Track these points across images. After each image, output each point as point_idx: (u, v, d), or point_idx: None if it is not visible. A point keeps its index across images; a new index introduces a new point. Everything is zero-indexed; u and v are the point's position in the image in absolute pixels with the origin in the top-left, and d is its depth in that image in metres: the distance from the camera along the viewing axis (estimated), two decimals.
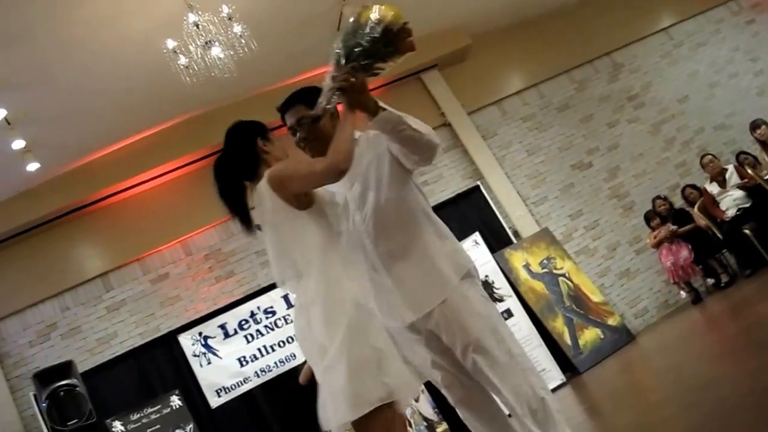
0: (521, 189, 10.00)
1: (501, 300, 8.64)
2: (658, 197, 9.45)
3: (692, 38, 11.84)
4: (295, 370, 8.25)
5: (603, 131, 10.79)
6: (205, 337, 8.32)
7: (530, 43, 10.86)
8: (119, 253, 8.75)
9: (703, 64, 11.70)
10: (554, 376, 8.29)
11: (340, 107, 2.82)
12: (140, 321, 8.49)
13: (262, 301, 8.60)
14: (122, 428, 7.47)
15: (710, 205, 8.89)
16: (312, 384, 7.63)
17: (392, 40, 2.65)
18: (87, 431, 7.30)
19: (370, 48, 2.62)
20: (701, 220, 8.98)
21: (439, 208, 9.25)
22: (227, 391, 8.14)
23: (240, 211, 2.95)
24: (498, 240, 9.37)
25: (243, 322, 8.45)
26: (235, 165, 2.98)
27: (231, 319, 8.46)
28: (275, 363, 8.36)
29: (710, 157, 9.23)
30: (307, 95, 2.94)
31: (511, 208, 9.72)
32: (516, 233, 9.57)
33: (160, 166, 8.85)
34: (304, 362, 7.93)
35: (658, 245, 9.12)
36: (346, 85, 2.61)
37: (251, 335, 8.42)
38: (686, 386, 4.42)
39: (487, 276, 8.68)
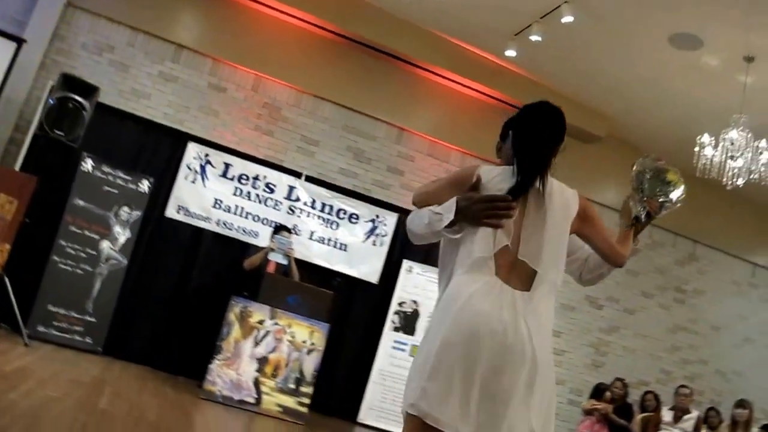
0: None
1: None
2: (621, 380, 9.49)
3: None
4: (245, 247, 8.47)
5: (634, 293, 10.80)
6: (208, 161, 8.53)
7: None
8: (220, 45, 8.95)
9: (757, 317, 11.64)
10: None
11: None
12: (174, 104, 8.66)
13: (272, 175, 8.79)
14: (90, 167, 7.72)
15: (653, 425, 8.94)
16: (242, 273, 7.82)
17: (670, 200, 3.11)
18: (63, 149, 7.58)
19: (668, 204, 3.10)
20: (636, 428, 9.04)
21: None
22: (187, 213, 8.39)
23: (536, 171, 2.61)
24: None
25: (244, 177, 8.65)
26: (560, 141, 2.69)
27: (239, 166, 8.66)
28: (238, 228, 8.59)
29: (688, 390, 9.25)
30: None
31: None
32: None
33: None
34: (261, 248, 8.17)
35: (588, 413, 9.19)
36: (655, 216, 3.07)
37: (241, 191, 8.61)
38: None
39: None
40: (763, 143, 7.89)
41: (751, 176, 7.90)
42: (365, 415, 8.51)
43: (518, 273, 2.49)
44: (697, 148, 8.01)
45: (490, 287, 2.45)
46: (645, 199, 3.05)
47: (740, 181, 7.93)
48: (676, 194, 3.09)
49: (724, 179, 7.96)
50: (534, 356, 2.38)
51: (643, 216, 3.04)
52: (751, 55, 7.74)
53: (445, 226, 2.55)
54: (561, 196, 2.62)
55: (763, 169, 7.93)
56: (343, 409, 8.64)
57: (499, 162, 2.85)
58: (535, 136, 2.63)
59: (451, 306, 2.46)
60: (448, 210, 2.55)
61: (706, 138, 8.03)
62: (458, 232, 2.57)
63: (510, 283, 2.47)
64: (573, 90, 9.66)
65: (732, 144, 7.73)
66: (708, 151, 7.97)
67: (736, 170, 7.92)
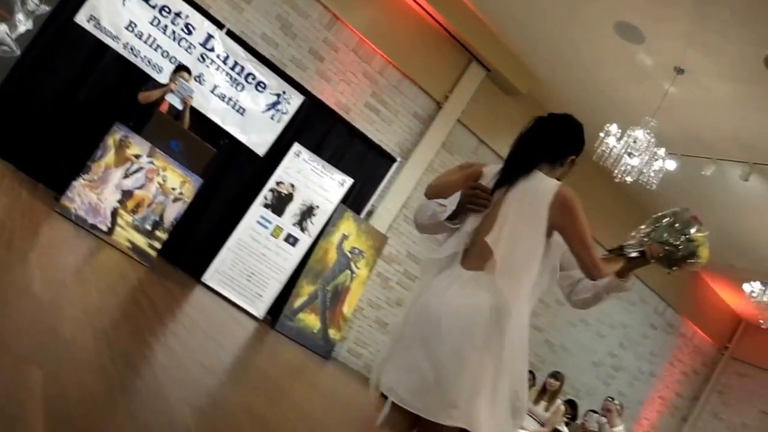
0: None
1: (302, 230, 8.93)
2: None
3: None
4: (144, 78, 8.24)
5: None
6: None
7: None
8: None
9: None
10: (260, 307, 8.66)
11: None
12: None
13: (195, 17, 8.58)
14: None
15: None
16: (134, 103, 7.59)
17: (685, 266, 3.12)
18: None
19: (677, 256, 3.06)
20: None
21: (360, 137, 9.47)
22: (97, 26, 8.10)
23: (514, 171, 2.83)
24: (357, 202, 9.60)
25: (166, 9, 8.41)
26: (556, 146, 2.90)
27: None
28: (144, 57, 8.38)
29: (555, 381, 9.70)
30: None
31: (393, 203, 9.91)
32: (369, 213, 9.80)
33: None
34: (160, 85, 7.94)
35: None
36: (652, 260, 3.06)
37: (159, 21, 8.39)
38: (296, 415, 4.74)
39: (314, 205, 8.97)
40: (661, 151, 8.19)
41: (640, 177, 8.22)
42: (210, 277, 8.57)
43: (479, 255, 2.71)
44: (602, 134, 8.24)
45: (448, 275, 2.74)
46: (647, 239, 3.04)
47: (629, 179, 8.24)
48: (688, 251, 3.03)
49: (616, 171, 8.24)
50: (438, 312, 2.64)
51: (631, 252, 3.04)
52: (682, 68, 7.95)
53: (447, 218, 2.82)
54: (537, 187, 2.76)
55: (653, 174, 8.26)
56: (191, 265, 8.67)
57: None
58: (522, 138, 2.93)
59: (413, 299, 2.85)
60: (452, 203, 2.81)
61: (614, 128, 8.27)
62: (458, 224, 2.83)
63: (466, 265, 2.73)
64: (512, 40, 9.73)
65: (635, 142, 7.99)
66: (611, 141, 8.22)
67: (629, 167, 8.22)
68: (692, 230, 3.03)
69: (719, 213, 10.66)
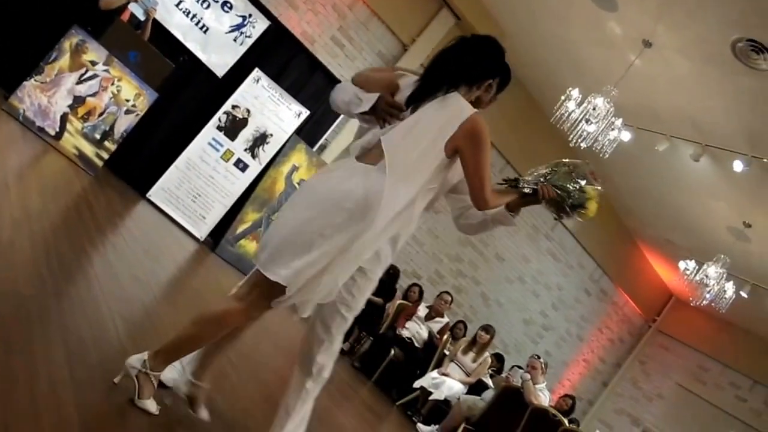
0: None
1: (253, 157, 8.86)
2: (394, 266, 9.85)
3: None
4: None
5: None
6: None
7: None
8: None
9: (538, 265, 12.53)
10: (203, 229, 8.62)
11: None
12: None
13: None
14: None
15: (405, 314, 9.50)
16: (94, 7, 7.38)
17: (572, 215, 3.10)
18: None
19: (567, 203, 3.04)
20: (390, 309, 9.59)
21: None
22: None
23: (430, 87, 2.92)
24: (311, 135, 9.54)
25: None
26: (468, 70, 2.96)
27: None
28: None
29: (449, 298, 9.87)
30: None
31: (347, 139, 9.83)
32: (322, 148, 9.75)
33: None
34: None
35: None
36: (542, 199, 3.02)
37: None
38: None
39: (267, 133, 8.90)
40: (618, 122, 8.27)
41: (595, 144, 8.30)
42: (155, 194, 8.47)
43: (378, 154, 2.79)
44: (563, 97, 8.29)
45: (347, 167, 2.86)
46: (543, 180, 3.04)
47: (584, 144, 8.32)
48: (578, 201, 3.04)
49: (572, 136, 8.31)
50: (315, 189, 2.81)
51: (525, 187, 3.04)
52: (650, 42, 7.99)
53: (360, 112, 3.02)
54: (452, 107, 2.85)
55: (607, 143, 8.35)
56: (137, 179, 8.53)
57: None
58: (441, 55, 3.00)
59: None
60: (368, 100, 2.98)
61: (575, 93, 8.31)
62: (367, 122, 3.07)
63: (362, 161, 2.85)
64: None
65: (594, 109, 8.04)
66: (571, 105, 8.27)
67: (586, 133, 8.29)
68: (586, 186, 3.06)
69: (666, 189, 10.86)
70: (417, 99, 2.90)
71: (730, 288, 10.07)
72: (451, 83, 2.90)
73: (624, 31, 8.27)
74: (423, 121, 2.82)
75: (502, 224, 3.11)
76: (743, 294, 10.98)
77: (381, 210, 2.64)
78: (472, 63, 2.96)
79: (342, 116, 9.68)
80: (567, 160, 3.13)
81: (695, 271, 10.20)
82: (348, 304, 3.01)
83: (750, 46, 6.94)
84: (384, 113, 2.95)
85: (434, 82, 2.91)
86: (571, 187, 3.02)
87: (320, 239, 2.64)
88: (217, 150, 8.73)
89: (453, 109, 2.83)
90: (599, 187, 3.10)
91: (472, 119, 2.79)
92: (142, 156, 8.56)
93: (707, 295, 9.92)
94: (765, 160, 8.35)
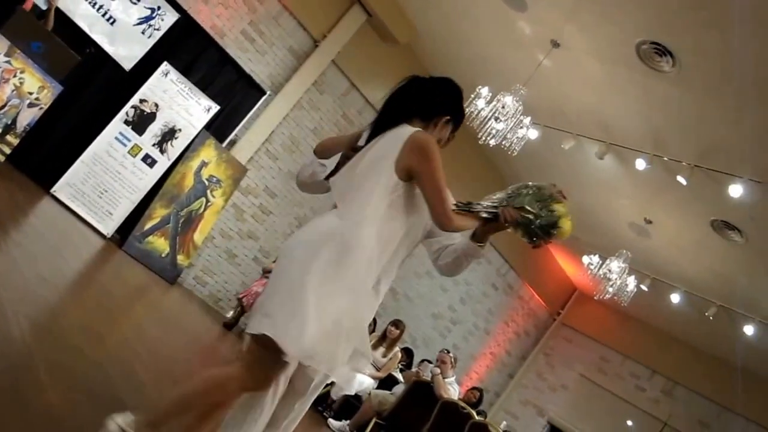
0: (278, 148, 10.15)
1: (162, 152, 8.73)
2: None
3: None
4: None
5: None
6: None
7: None
8: None
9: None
10: (110, 226, 8.44)
11: None
12: None
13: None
14: None
15: None
16: None
17: (546, 237, 2.98)
18: None
19: (536, 225, 2.92)
20: None
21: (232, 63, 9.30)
22: None
23: (385, 124, 2.87)
24: (221, 130, 9.44)
25: None
26: (423, 105, 2.93)
27: None
28: None
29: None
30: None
31: (256, 135, 9.77)
32: (232, 143, 9.65)
33: None
34: None
35: (267, 273, 9.49)
36: (506, 225, 2.90)
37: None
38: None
39: (176, 128, 8.78)
40: (527, 120, 8.45)
41: (503, 142, 8.46)
42: (60, 189, 8.25)
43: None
44: (473, 95, 8.41)
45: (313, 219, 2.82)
46: (505, 203, 2.93)
47: (492, 142, 8.47)
48: (547, 221, 2.92)
49: (481, 133, 8.45)
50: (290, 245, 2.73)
51: (482, 212, 2.92)
52: (558, 42, 8.19)
53: (326, 177, 2.97)
54: (397, 133, 2.79)
55: (515, 140, 8.52)
56: (41, 174, 8.28)
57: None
58: (394, 93, 2.97)
59: None
60: (333, 161, 2.97)
61: (485, 91, 8.44)
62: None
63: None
64: None
65: (503, 107, 8.19)
66: (480, 103, 8.40)
67: (494, 131, 8.43)
68: (554, 204, 2.95)
69: (571, 186, 11.12)
70: (373, 136, 2.86)
71: (631, 282, 10.42)
72: (406, 118, 2.88)
73: (533, 31, 8.46)
74: (369, 153, 2.78)
75: (473, 257, 3.01)
76: (644, 287, 11.39)
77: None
78: (429, 99, 2.94)
79: (252, 112, 9.65)
80: (531, 183, 3.03)
81: (598, 266, 10.51)
82: None
83: (654, 49, 7.21)
84: (345, 159, 2.91)
85: (390, 118, 2.88)
86: (536, 209, 2.91)
87: (296, 284, 2.56)
88: (125, 145, 8.56)
89: (397, 134, 2.78)
90: (565, 205, 3.01)
91: (414, 135, 2.74)
92: (46, 150, 8.32)
93: (610, 289, 10.23)
94: (666, 158, 8.68)
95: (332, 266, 2.56)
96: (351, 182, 2.75)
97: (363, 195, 2.69)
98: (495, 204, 2.95)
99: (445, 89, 3.02)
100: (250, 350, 2.64)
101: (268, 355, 2.57)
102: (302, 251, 2.60)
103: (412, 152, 2.70)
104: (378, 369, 9.05)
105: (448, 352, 8.61)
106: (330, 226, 2.65)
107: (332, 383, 8.67)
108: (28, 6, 7.33)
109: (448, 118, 2.98)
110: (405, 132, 2.76)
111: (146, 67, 8.73)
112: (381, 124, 2.86)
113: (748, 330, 10.78)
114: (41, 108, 7.00)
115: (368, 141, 2.85)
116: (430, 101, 2.94)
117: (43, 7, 7.45)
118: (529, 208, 2.90)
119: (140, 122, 8.65)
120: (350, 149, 2.93)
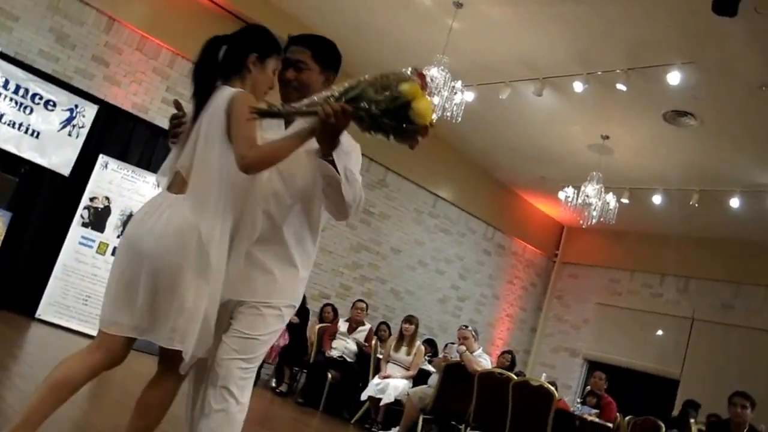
0: None
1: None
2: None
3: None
4: None
5: None
6: None
7: None
8: None
9: (432, 244, 12.78)
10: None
11: None
12: None
13: None
14: None
15: (329, 335, 9.53)
16: None
17: (402, 125, 2.45)
18: None
19: (384, 111, 2.40)
20: (312, 336, 9.61)
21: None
22: None
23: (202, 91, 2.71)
24: None
25: None
26: (228, 56, 2.77)
27: None
28: None
29: (363, 305, 9.94)
30: (323, 51, 2.98)
31: None
32: None
33: None
34: None
35: None
36: (337, 123, 2.40)
37: None
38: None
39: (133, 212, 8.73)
40: (458, 84, 8.52)
41: (445, 113, 8.53)
42: (45, 311, 8.20)
43: (182, 179, 2.63)
44: None
45: (151, 203, 2.66)
46: (332, 99, 2.40)
47: (434, 117, 8.51)
48: (395, 106, 2.39)
49: None
50: (139, 248, 2.54)
51: (290, 111, 2.57)
52: (460, 2, 8.26)
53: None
54: (217, 99, 2.64)
55: (455, 108, 8.59)
56: (21, 303, 8.22)
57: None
58: (199, 60, 2.80)
59: None
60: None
61: (408, 71, 8.47)
62: (175, 144, 2.84)
63: (172, 189, 2.65)
64: (296, 9, 9.76)
65: (432, 81, 8.23)
66: None
67: (433, 106, 8.47)
68: (400, 83, 2.42)
69: (523, 132, 11.26)
70: (198, 108, 2.70)
71: (611, 199, 10.52)
72: (223, 78, 2.74)
73: (433, 1, 8.52)
74: (202, 129, 2.63)
75: (330, 177, 2.56)
76: (624, 201, 11.51)
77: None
78: (230, 51, 2.78)
79: None
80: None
81: (575, 196, 10.60)
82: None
83: None
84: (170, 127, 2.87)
85: (200, 85, 2.74)
86: (373, 94, 2.39)
87: (184, 290, 2.54)
88: (90, 246, 8.53)
89: (219, 101, 2.63)
90: (417, 82, 2.44)
91: (233, 97, 2.59)
92: (16, 279, 8.25)
93: (594, 214, 10.33)
94: (599, 72, 8.80)
95: (195, 258, 2.54)
96: (194, 160, 2.61)
97: (207, 176, 2.58)
98: (318, 102, 2.41)
99: (242, 34, 2.86)
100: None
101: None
102: (165, 253, 2.53)
103: (230, 115, 2.57)
104: (407, 368, 9.07)
105: (467, 326, 8.65)
106: (181, 220, 2.53)
107: (369, 398, 8.71)
108: None
109: (256, 55, 2.77)
110: (223, 96, 2.62)
111: (84, 166, 8.72)
112: (199, 94, 2.72)
113: (734, 203, 10.94)
114: None
115: (195, 116, 2.70)
116: (232, 53, 2.78)
117: None
118: (365, 95, 2.39)
119: (97, 220, 8.63)
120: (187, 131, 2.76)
